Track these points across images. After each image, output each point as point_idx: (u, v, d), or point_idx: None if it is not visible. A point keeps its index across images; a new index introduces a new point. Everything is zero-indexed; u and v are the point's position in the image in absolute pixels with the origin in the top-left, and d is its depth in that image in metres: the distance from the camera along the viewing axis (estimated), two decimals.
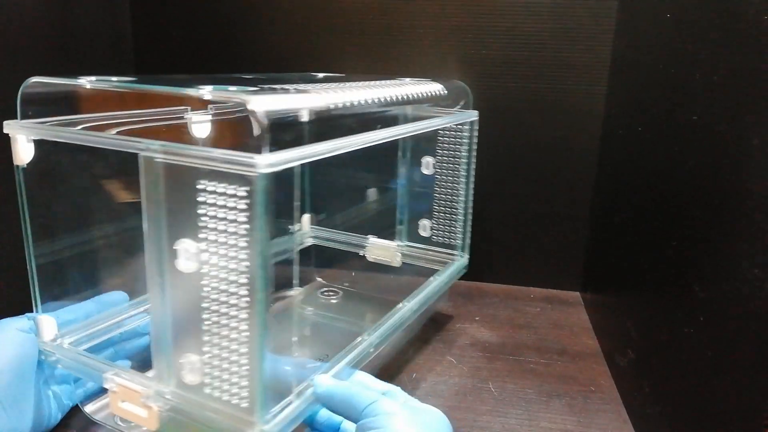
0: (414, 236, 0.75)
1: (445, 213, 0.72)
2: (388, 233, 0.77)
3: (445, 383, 0.60)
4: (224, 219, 0.35)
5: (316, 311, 0.73)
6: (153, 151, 0.37)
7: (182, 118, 0.59)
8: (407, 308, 0.58)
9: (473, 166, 0.70)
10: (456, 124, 0.68)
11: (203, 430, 0.39)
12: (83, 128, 0.48)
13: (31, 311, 0.49)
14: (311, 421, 0.45)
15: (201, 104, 0.60)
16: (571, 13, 0.75)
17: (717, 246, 0.41)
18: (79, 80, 0.45)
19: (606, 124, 0.77)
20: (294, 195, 0.38)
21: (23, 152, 0.45)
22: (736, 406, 0.36)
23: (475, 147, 0.69)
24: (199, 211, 0.36)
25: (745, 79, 0.38)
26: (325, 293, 0.77)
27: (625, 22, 0.71)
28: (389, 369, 0.62)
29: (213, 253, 0.36)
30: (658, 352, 0.51)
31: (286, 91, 0.43)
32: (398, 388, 0.43)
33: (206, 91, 0.38)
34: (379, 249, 0.76)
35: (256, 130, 0.35)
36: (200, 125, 0.61)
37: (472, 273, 0.74)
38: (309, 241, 0.82)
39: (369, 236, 0.77)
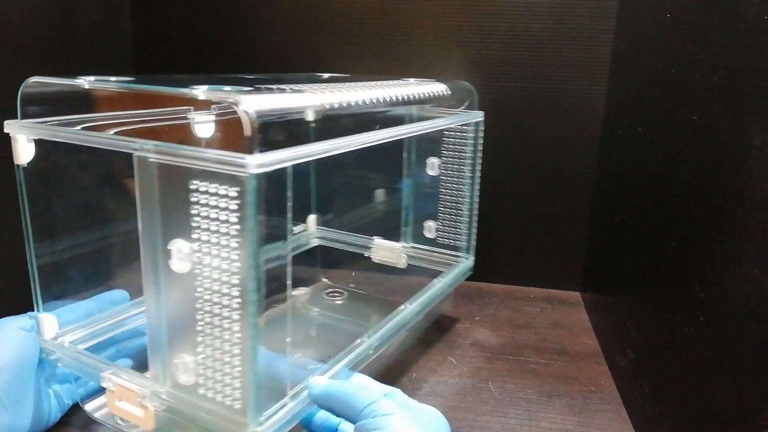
0: (419, 238, 0.75)
1: (450, 214, 0.72)
2: (393, 234, 0.76)
3: (445, 383, 0.60)
4: (216, 219, 0.35)
5: (322, 312, 0.73)
6: (146, 151, 0.37)
7: (185, 118, 0.59)
8: (408, 310, 0.57)
9: (479, 167, 0.70)
10: (461, 125, 0.68)
11: (199, 430, 0.39)
12: (83, 128, 0.48)
13: (32, 310, 0.49)
14: (308, 423, 0.45)
15: (204, 104, 0.60)
16: (571, 13, 0.75)
17: (717, 246, 0.41)
18: (77, 80, 0.45)
19: (606, 124, 0.77)
20: (287, 196, 0.38)
21: (24, 152, 0.45)
22: (736, 406, 0.36)
23: (480, 148, 0.69)
24: (192, 212, 0.36)
25: (745, 79, 0.38)
26: (330, 294, 0.77)
27: (625, 22, 0.71)
28: (388, 369, 0.62)
29: (206, 254, 0.36)
30: (658, 352, 0.51)
31: (283, 91, 0.43)
32: (399, 390, 0.43)
33: (200, 91, 0.38)
34: (384, 250, 0.76)
35: (247, 131, 0.35)
36: (203, 125, 0.60)
37: (472, 273, 0.74)
38: (315, 242, 0.82)
39: (374, 237, 0.77)
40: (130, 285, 0.56)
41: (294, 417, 0.41)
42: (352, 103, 0.47)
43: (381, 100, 0.52)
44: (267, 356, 0.38)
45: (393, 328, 0.54)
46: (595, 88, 0.77)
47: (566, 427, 0.54)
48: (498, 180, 0.81)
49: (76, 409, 0.51)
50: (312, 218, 0.82)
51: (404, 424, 0.38)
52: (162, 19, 0.85)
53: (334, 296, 0.77)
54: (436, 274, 0.68)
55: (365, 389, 0.42)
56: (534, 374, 0.62)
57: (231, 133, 0.60)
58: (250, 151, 0.34)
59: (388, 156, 0.75)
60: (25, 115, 0.46)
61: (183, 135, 0.59)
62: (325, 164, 0.79)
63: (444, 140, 0.70)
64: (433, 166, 0.72)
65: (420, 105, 0.65)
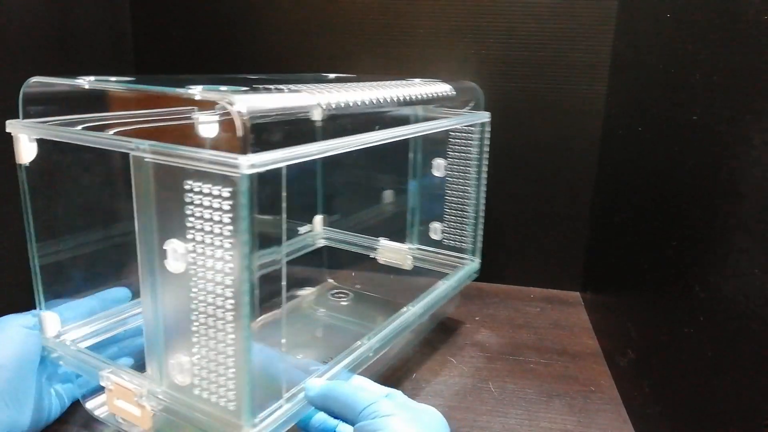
0: (425, 239, 0.75)
1: (456, 216, 0.72)
2: (399, 236, 0.76)
3: (445, 383, 0.60)
4: (210, 220, 0.35)
5: (327, 312, 0.73)
6: (142, 150, 0.37)
7: (190, 118, 0.59)
8: (411, 312, 0.57)
9: (485, 168, 0.69)
10: (466, 126, 0.68)
11: (195, 431, 0.39)
12: (85, 128, 0.48)
13: (34, 309, 0.49)
14: (305, 424, 0.45)
15: (208, 105, 0.60)
16: (571, 13, 0.75)
17: (717, 246, 0.41)
18: (78, 80, 0.45)
19: (606, 124, 0.77)
20: (282, 196, 0.38)
21: (25, 151, 0.45)
22: (736, 406, 0.36)
23: (486, 149, 0.69)
24: (187, 212, 0.36)
25: (745, 79, 0.38)
26: (336, 295, 0.77)
27: (625, 22, 0.71)
28: (388, 369, 0.62)
29: (200, 254, 0.36)
30: (658, 352, 0.51)
31: (280, 91, 0.43)
32: (399, 392, 0.43)
33: (196, 91, 0.38)
34: (390, 252, 0.75)
35: (239, 131, 0.35)
36: (208, 126, 0.60)
37: (477, 276, 0.74)
38: (321, 243, 0.82)
39: (380, 238, 0.77)
40: (132, 283, 0.56)
41: (290, 419, 0.41)
42: (351, 104, 0.47)
43: (383, 101, 0.52)
44: (264, 356, 0.38)
45: (394, 331, 0.54)
46: (595, 88, 0.77)
47: (566, 427, 0.54)
48: (498, 180, 0.81)
49: (76, 406, 0.51)
50: (318, 219, 0.82)
51: (404, 424, 0.37)
52: (162, 19, 0.85)
53: (340, 297, 0.76)
54: (442, 275, 0.68)
55: (364, 390, 0.42)
56: (534, 374, 0.62)
57: (232, 134, 0.59)
58: (243, 152, 0.34)
59: (395, 157, 0.75)
60: (27, 115, 0.46)
61: (187, 135, 0.59)
62: (331, 165, 0.79)
63: (450, 141, 0.70)
64: (439, 167, 0.72)
65: (425, 105, 0.64)
